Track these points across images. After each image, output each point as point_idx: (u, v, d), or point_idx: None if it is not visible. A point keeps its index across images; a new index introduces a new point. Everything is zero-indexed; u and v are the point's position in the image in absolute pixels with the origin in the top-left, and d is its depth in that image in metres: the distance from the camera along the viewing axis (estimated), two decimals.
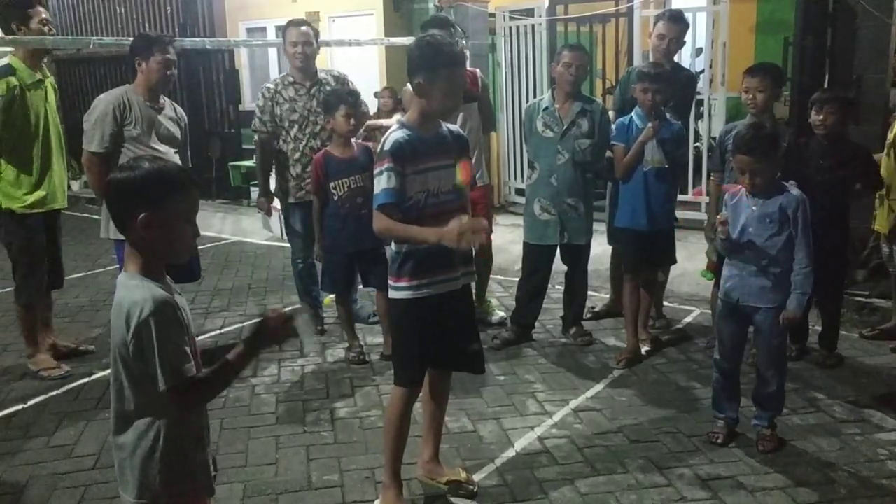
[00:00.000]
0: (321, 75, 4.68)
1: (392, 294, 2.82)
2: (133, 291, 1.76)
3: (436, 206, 2.72)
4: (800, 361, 4.13)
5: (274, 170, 4.76)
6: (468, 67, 4.91)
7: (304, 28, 4.57)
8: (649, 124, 4.03)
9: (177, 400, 1.75)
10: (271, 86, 4.62)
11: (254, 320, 1.89)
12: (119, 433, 1.84)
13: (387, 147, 2.66)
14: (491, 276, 5.65)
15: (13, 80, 4.09)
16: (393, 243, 2.79)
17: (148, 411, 1.79)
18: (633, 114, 4.15)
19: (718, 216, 3.27)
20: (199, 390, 1.78)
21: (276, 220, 4.64)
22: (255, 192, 8.98)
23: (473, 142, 4.65)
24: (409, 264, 2.74)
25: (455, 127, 2.93)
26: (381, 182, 2.64)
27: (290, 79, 4.61)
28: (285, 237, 4.97)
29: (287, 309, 1.87)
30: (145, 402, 1.78)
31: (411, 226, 2.65)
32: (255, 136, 4.75)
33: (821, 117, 3.83)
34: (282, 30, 4.65)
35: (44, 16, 4.07)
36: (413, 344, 2.84)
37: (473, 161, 4.64)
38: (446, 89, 2.63)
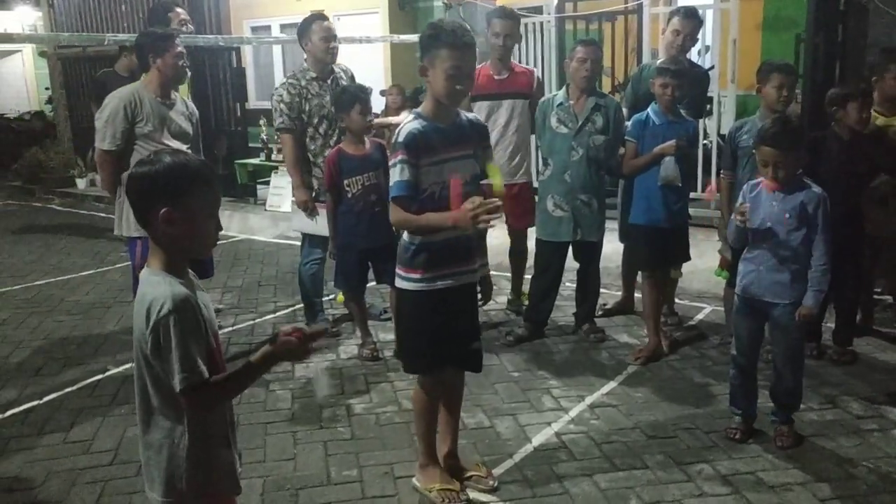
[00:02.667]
0: (336, 70, 4.66)
1: (401, 284, 2.79)
2: (155, 287, 1.74)
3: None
4: (813, 358, 4.12)
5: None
6: (526, 67, 4.95)
7: (329, 23, 4.53)
8: (672, 141, 4.01)
9: (190, 400, 1.73)
10: (294, 81, 4.50)
11: (283, 324, 1.85)
12: (146, 431, 1.82)
13: (401, 139, 2.64)
14: (501, 273, 5.66)
15: None
16: (406, 233, 2.77)
17: (171, 409, 1.78)
18: (649, 110, 4.15)
19: (739, 205, 3.24)
20: (212, 392, 1.76)
21: (321, 218, 4.49)
22: (261, 189, 9.02)
23: (519, 139, 4.70)
24: (423, 256, 2.72)
25: (474, 116, 2.90)
26: (395, 174, 2.64)
27: (312, 74, 4.52)
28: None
29: (309, 328, 1.85)
30: (167, 399, 1.77)
31: (425, 215, 2.64)
32: (281, 135, 4.57)
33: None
34: (304, 24, 4.55)
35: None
36: (423, 336, 2.82)
37: (518, 159, 4.68)
38: (448, 71, 2.57)
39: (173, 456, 1.79)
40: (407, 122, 2.69)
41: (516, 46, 7.74)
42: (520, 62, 7.76)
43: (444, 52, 2.57)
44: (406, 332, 2.93)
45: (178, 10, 5.04)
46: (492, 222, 2.54)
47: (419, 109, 2.77)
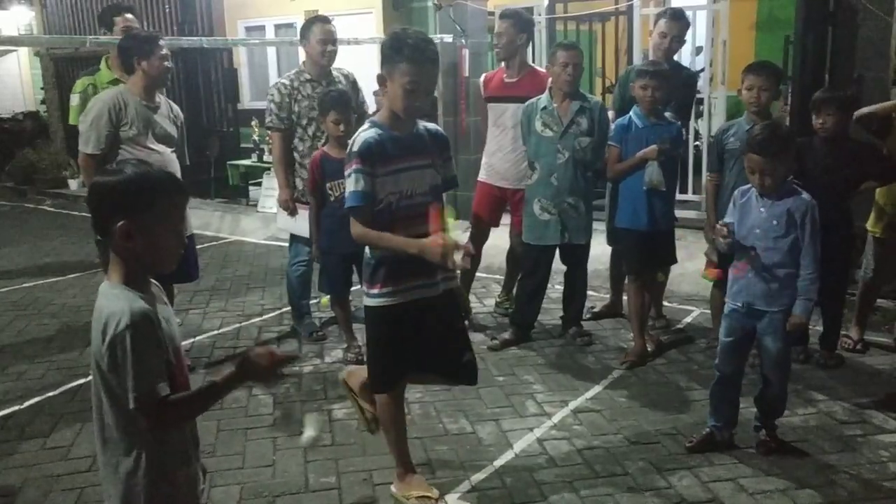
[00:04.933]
0: (334, 73, 4.63)
1: (366, 301, 2.76)
2: (112, 301, 1.69)
3: (409, 208, 2.65)
4: (799, 362, 4.09)
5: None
6: (540, 69, 4.87)
7: (330, 26, 4.51)
8: (654, 146, 3.99)
9: (146, 419, 1.68)
10: (287, 81, 4.51)
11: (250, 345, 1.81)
12: (103, 448, 1.78)
13: (355, 148, 2.59)
14: (489, 275, 5.66)
15: (88, 80, 4.83)
16: (368, 248, 2.73)
17: (128, 425, 1.73)
18: (631, 113, 4.12)
19: (719, 224, 3.23)
20: (170, 412, 1.70)
21: (302, 219, 4.49)
22: (253, 191, 9.00)
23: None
24: (383, 271, 2.68)
25: (433, 126, 2.83)
26: (350, 185, 2.58)
27: (307, 76, 4.52)
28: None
29: (278, 350, 1.80)
30: (124, 415, 1.71)
31: (389, 235, 2.59)
32: (269, 133, 4.67)
33: (820, 121, 3.81)
34: (305, 25, 4.54)
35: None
36: (386, 351, 2.79)
37: (525, 164, 4.53)
38: (406, 87, 2.52)
39: (130, 474, 1.74)
40: (362, 131, 2.64)
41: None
42: None
43: (404, 66, 2.51)
44: (371, 349, 2.87)
45: (127, 15, 5.15)
46: (459, 265, 2.48)
47: (375, 118, 2.72)
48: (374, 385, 2.88)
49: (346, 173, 2.60)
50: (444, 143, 2.82)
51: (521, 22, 4.62)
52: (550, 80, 4.27)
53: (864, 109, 4.02)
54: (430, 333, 2.77)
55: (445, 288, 2.76)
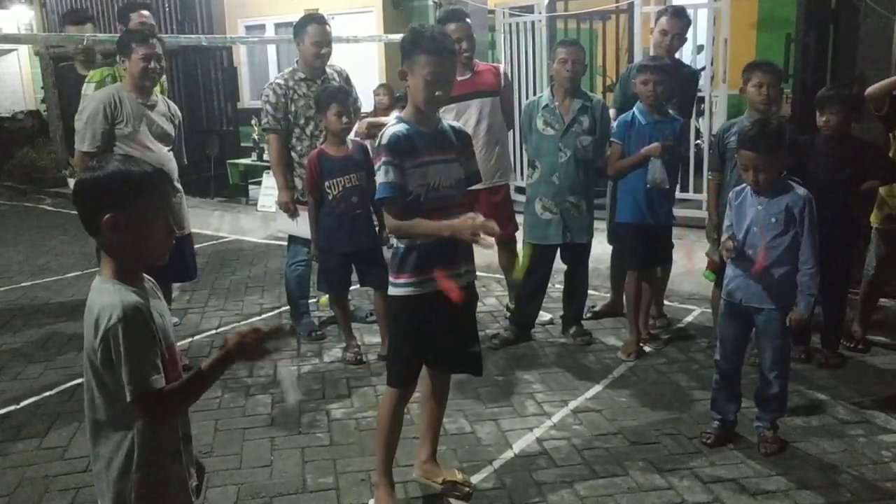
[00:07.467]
0: (328, 71, 4.59)
1: (392, 291, 2.77)
2: (103, 296, 1.69)
3: (436, 200, 2.68)
4: (800, 361, 4.07)
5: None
6: (492, 63, 4.82)
7: (327, 27, 4.45)
8: (657, 143, 3.97)
9: (144, 412, 1.68)
10: (281, 81, 4.46)
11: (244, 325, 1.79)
12: (95, 444, 1.77)
13: (384, 141, 2.63)
14: (489, 274, 5.63)
15: (108, 70, 4.59)
16: (394, 239, 2.75)
17: (120, 422, 1.72)
18: (634, 109, 4.10)
19: (724, 240, 3.19)
20: (166, 403, 1.70)
21: (302, 221, 4.43)
22: (253, 190, 8.99)
23: (493, 138, 4.54)
24: (411, 259, 2.70)
25: (457, 124, 2.90)
26: (380, 177, 2.62)
27: (301, 75, 4.48)
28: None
29: (264, 326, 1.78)
30: (116, 412, 1.71)
31: (421, 221, 2.62)
32: (267, 135, 4.59)
33: (825, 118, 3.79)
34: (300, 24, 4.48)
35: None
36: (409, 342, 2.79)
37: (494, 159, 4.53)
38: (426, 77, 2.57)
39: (123, 470, 1.74)
40: (390, 126, 2.69)
41: (511, 45, 7.74)
42: (512, 62, 7.77)
43: (423, 57, 2.57)
44: (396, 340, 2.88)
45: (143, 12, 5.12)
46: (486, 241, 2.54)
47: (401, 114, 2.77)
48: (392, 378, 2.85)
49: (376, 166, 2.64)
50: (467, 139, 2.87)
51: (468, 20, 4.58)
52: (553, 76, 4.24)
53: (873, 86, 4.00)
54: (447, 325, 2.78)
55: (468, 280, 2.81)
